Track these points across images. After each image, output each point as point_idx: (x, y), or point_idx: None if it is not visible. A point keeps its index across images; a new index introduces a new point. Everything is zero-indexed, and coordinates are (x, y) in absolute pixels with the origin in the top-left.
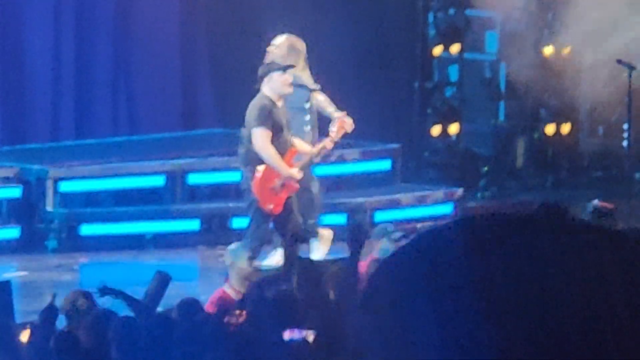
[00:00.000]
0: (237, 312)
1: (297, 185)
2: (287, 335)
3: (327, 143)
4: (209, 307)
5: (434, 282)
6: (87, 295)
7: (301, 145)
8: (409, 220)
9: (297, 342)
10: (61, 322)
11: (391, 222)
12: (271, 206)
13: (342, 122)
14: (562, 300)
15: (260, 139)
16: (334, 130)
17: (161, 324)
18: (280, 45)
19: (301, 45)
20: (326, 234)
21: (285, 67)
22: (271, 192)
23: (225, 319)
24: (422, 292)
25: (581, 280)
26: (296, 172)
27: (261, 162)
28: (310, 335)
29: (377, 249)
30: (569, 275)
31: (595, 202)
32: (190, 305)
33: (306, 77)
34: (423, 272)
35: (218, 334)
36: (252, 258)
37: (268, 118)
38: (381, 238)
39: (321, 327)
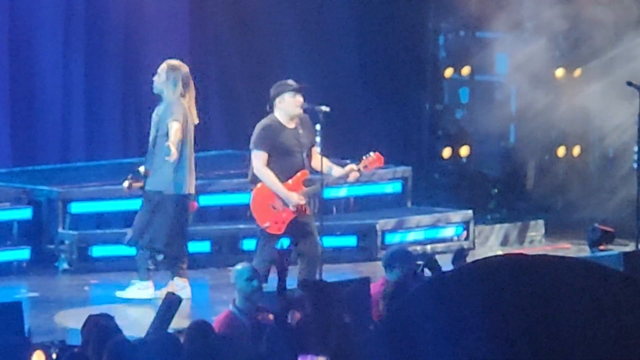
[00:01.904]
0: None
1: (304, 209)
2: None
3: (354, 173)
4: (214, 326)
5: (454, 323)
6: (107, 320)
7: (335, 169)
8: (419, 242)
9: None
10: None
11: (402, 244)
12: (267, 224)
13: (379, 157)
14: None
15: (257, 161)
16: (369, 160)
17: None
18: (160, 72)
19: (185, 70)
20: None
21: (297, 89)
22: (270, 210)
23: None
24: (441, 331)
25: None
26: (296, 196)
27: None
28: None
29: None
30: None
31: (596, 225)
32: (202, 327)
33: (186, 104)
34: (443, 312)
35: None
36: (254, 278)
37: (267, 140)
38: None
39: (335, 351)
